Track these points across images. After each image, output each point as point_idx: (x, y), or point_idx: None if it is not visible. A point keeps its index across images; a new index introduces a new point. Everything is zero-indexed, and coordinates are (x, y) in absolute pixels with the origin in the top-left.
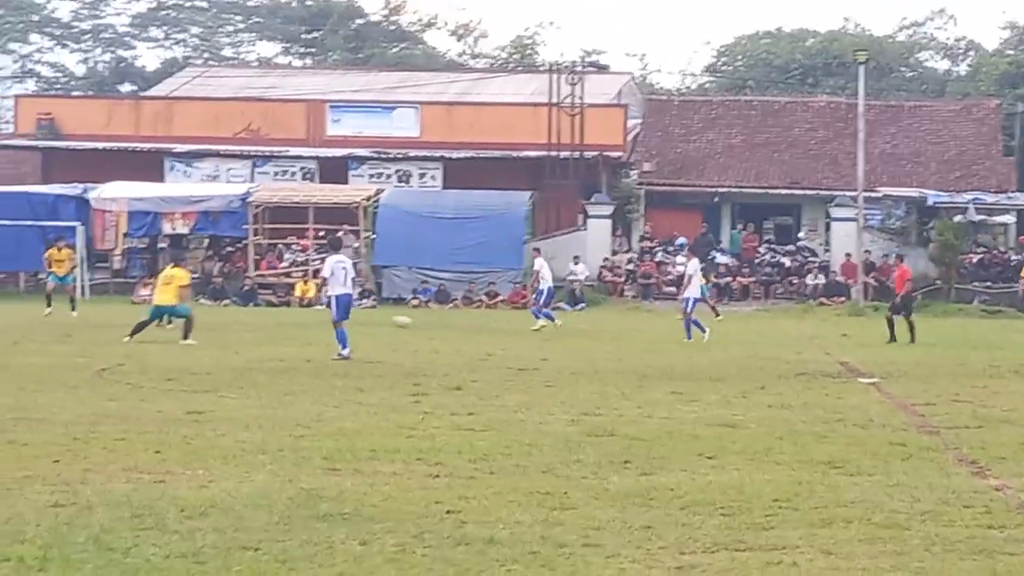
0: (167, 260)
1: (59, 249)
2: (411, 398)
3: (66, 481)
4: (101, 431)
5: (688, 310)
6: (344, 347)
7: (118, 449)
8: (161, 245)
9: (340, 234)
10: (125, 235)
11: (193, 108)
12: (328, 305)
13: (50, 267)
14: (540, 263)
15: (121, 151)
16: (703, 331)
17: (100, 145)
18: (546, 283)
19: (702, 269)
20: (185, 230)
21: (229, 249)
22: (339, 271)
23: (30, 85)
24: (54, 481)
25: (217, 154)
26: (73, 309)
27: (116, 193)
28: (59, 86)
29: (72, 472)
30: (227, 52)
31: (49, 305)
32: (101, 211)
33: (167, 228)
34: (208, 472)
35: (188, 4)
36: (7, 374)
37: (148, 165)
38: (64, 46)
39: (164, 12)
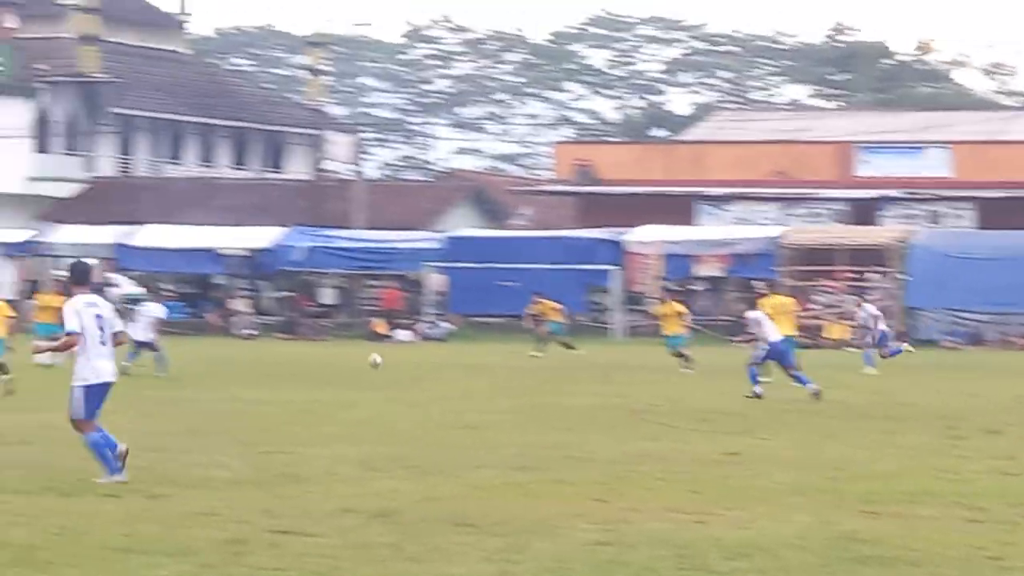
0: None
1: (535, 303)
2: (947, 441)
3: (609, 520)
4: (640, 470)
5: None
6: (806, 383)
7: (657, 489)
8: (694, 287)
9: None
10: (659, 278)
11: (723, 152)
12: (767, 351)
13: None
14: (867, 309)
15: (653, 195)
16: None
17: (633, 190)
18: (879, 325)
19: None
20: (717, 272)
21: (758, 291)
22: (765, 321)
23: (566, 132)
24: (597, 519)
25: (747, 197)
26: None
27: (650, 237)
28: (594, 132)
29: (614, 511)
30: (756, 95)
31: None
32: (635, 255)
33: (699, 271)
34: (746, 513)
35: (718, 49)
36: (550, 413)
37: (679, 209)
38: (599, 93)
39: (695, 57)
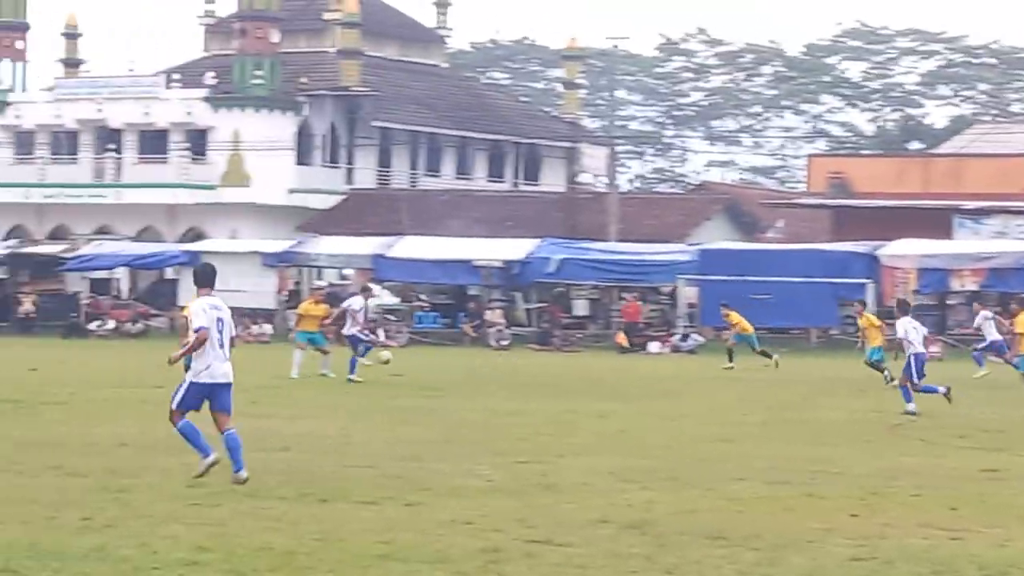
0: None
1: (726, 316)
2: None
3: (864, 535)
4: (896, 486)
5: None
6: (909, 402)
7: (913, 504)
8: (951, 302)
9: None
10: (914, 292)
11: (981, 165)
12: (907, 365)
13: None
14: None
15: (908, 209)
16: None
17: (888, 203)
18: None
19: None
20: (974, 287)
21: (1014, 305)
22: (911, 331)
23: (821, 145)
24: (852, 535)
25: (1006, 211)
26: (770, 357)
27: (905, 250)
28: (849, 145)
29: (870, 526)
30: (1016, 108)
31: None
32: (890, 268)
33: (955, 285)
34: (1005, 531)
35: (977, 61)
36: (804, 427)
37: (935, 222)
38: (854, 106)
39: (953, 69)
